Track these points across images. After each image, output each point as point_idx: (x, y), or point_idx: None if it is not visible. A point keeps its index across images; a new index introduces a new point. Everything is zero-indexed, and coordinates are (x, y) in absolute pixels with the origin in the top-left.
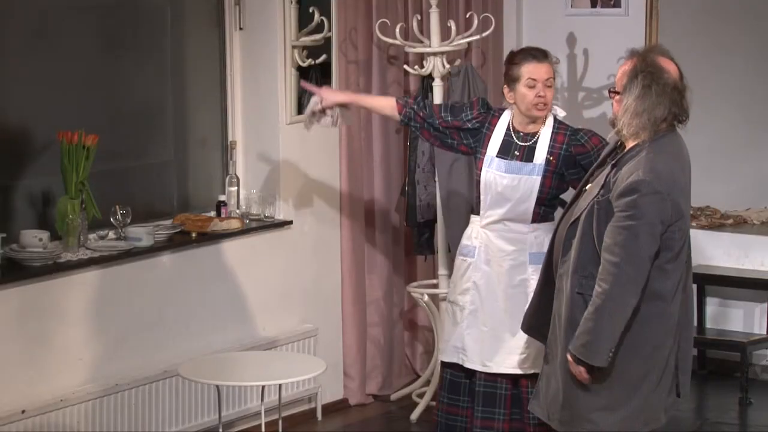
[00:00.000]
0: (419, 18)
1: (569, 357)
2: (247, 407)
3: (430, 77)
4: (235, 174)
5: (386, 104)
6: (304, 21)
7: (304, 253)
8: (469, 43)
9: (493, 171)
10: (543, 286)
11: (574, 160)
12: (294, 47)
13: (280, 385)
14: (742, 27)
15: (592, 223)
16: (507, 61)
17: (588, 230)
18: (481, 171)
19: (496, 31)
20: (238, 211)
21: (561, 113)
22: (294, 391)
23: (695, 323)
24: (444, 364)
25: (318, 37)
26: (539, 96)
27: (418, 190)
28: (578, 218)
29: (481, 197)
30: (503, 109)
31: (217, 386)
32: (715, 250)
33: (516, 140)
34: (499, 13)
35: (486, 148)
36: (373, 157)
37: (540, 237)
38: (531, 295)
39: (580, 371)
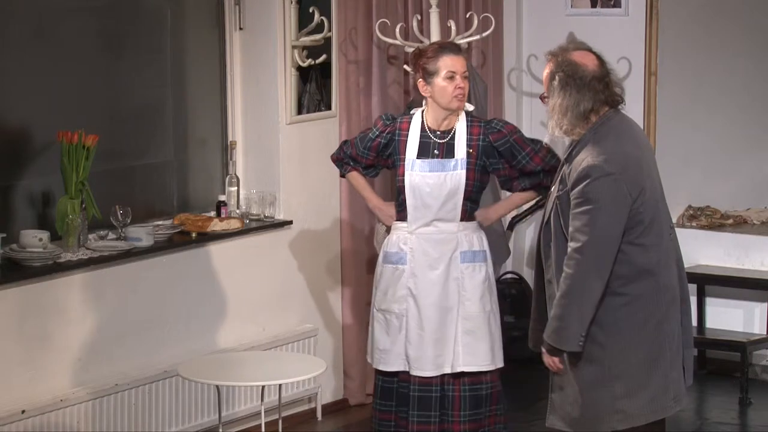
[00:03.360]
0: (419, 18)
1: (543, 348)
2: (247, 407)
3: None
4: (235, 174)
5: (360, 181)
6: (304, 21)
7: (304, 253)
8: (469, 43)
9: (417, 173)
10: (538, 293)
11: (493, 147)
12: (294, 47)
13: (280, 385)
14: (742, 26)
15: (559, 219)
16: (419, 56)
17: (558, 227)
18: (403, 176)
19: (496, 31)
20: (238, 211)
21: (470, 107)
22: (294, 391)
23: (695, 323)
24: (378, 372)
25: (318, 37)
26: (459, 87)
27: None
28: (549, 220)
29: (408, 201)
30: (411, 115)
31: (217, 386)
32: (715, 250)
33: (433, 139)
34: (499, 13)
35: (404, 153)
36: None
37: (469, 236)
38: (463, 293)
39: (554, 361)
